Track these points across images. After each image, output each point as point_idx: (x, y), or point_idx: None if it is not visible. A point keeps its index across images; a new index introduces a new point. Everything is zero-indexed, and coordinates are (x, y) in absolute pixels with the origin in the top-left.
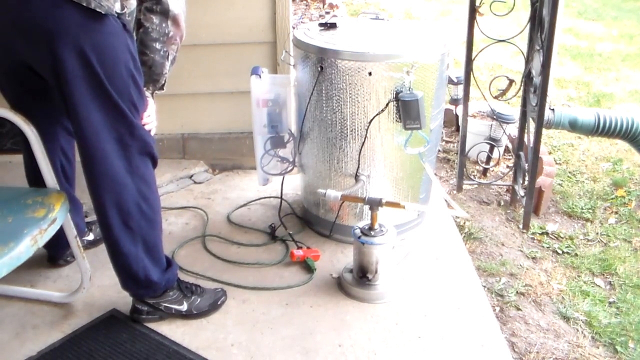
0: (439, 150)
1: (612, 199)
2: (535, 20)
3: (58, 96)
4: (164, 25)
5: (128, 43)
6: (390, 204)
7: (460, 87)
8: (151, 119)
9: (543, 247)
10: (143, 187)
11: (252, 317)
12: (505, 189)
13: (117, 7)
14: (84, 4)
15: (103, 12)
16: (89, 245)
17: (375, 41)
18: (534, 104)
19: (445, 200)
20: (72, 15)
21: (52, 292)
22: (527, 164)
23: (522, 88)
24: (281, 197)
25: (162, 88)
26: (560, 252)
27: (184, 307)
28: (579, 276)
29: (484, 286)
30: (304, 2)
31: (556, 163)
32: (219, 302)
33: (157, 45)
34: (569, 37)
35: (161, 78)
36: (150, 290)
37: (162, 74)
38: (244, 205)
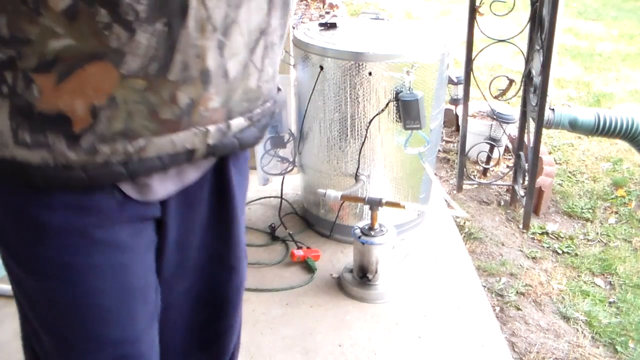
0: (439, 150)
1: (612, 199)
2: (535, 20)
3: None
4: None
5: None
6: (390, 204)
7: (460, 87)
8: None
9: (543, 247)
10: None
11: (252, 317)
12: (505, 189)
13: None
14: None
15: None
16: None
17: (375, 41)
18: (534, 104)
19: (445, 200)
20: None
21: None
22: (527, 164)
23: (522, 88)
24: (281, 197)
25: None
26: (560, 252)
27: None
28: (579, 276)
29: (484, 286)
30: (304, 2)
31: (556, 163)
32: None
33: None
34: (569, 37)
35: None
36: None
37: None
38: None
